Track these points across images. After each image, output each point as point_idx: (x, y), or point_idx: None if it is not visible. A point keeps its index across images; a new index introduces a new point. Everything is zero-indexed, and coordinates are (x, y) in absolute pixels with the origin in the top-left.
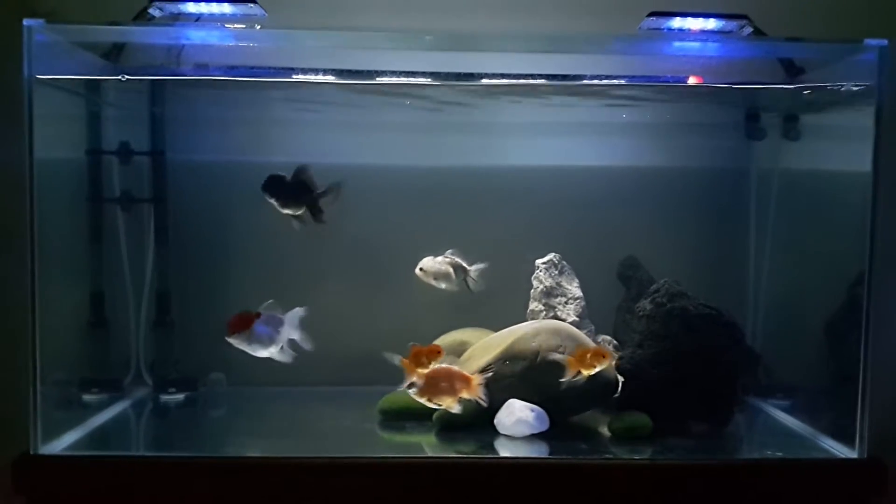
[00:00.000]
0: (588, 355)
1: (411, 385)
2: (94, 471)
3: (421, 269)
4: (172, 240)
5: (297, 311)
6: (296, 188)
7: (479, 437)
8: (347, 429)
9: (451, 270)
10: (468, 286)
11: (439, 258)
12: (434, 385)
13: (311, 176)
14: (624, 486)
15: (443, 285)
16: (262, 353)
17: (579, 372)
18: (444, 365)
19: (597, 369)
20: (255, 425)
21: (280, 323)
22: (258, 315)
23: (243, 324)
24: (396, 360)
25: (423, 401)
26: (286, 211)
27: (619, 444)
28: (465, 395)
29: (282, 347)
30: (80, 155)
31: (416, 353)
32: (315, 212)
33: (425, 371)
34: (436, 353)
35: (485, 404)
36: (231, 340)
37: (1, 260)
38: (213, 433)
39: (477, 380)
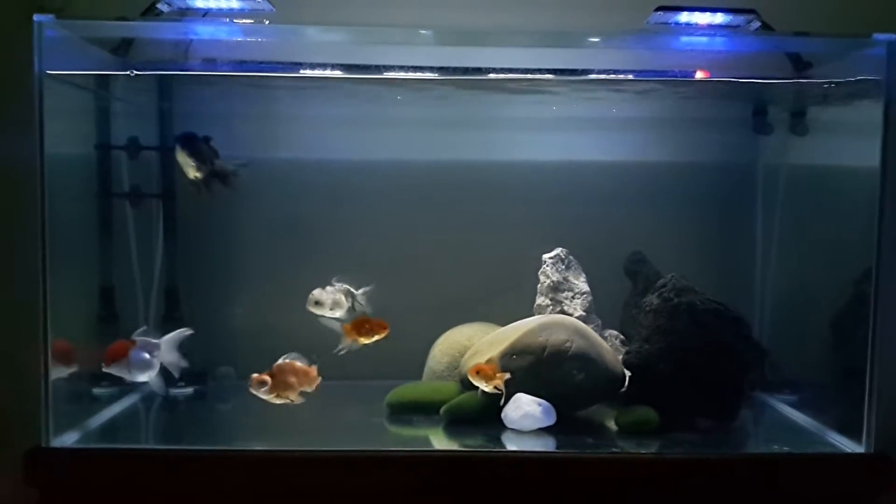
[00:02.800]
0: (366, 325)
1: (262, 383)
2: (105, 463)
3: (316, 302)
4: (181, 235)
5: (178, 334)
6: (206, 153)
7: (486, 431)
8: (355, 423)
9: (343, 298)
10: (355, 309)
11: (329, 288)
12: (282, 381)
13: (214, 146)
14: (631, 480)
15: (337, 314)
16: (142, 377)
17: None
18: (287, 360)
19: (374, 339)
20: (264, 419)
21: (156, 347)
22: (133, 343)
23: (119, 352)
24: (337, 325)
25: (268, 398)
26: (196, 174)
27: (625, 438)
28: (305, 388)
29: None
30: (89, 150)
31: (360, 322)
32: (223, 177)
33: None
34: (380, 327)
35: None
36: (109, 370)
37: (11, 254)
38: (222, 426)
39: (313, 373)
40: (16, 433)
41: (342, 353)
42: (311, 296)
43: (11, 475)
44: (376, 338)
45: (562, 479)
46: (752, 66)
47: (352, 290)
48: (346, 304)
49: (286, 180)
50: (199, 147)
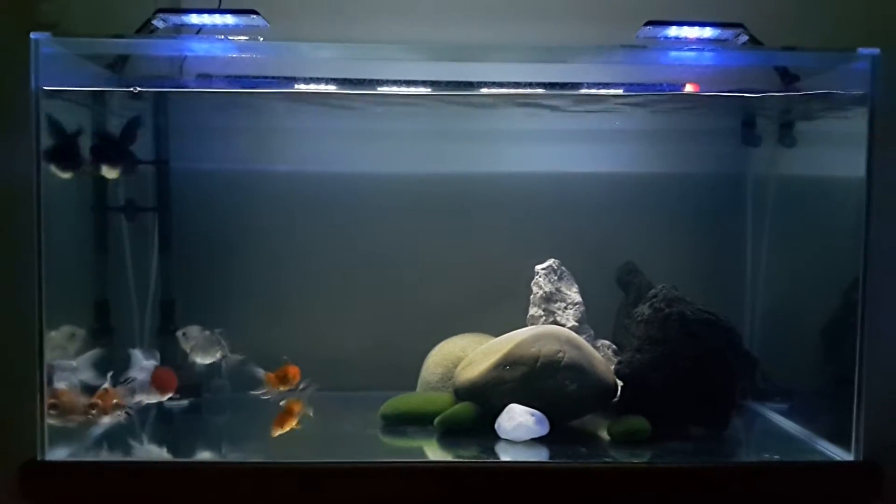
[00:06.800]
0: (287, 374)
1: (52, 406)
2: (100, 476)
3: (184, 333)
4: (176, 248)
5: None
6: (110, 147)
7: (480, 441)
8: (349, 434)
9: (215, 349)
10: (221, 367)
11: (206, 333)
12: (71, 406)
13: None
14: (623, 489)
15: (198, 359)
16: None
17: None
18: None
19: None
20: (259, 431)
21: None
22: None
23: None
24: (261, 373)
25: (56, 422)
26: (111, 175)
27: (618, 447)
28: (93, 412)
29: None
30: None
31: (283, 373)
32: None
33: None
34: (295, 375)
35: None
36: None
37: (7, 268)
38: (217, 439)
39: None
40: (11, 446)
41: (265, 397)
42: (185, 329)
43: (7, 489)
44: (297, 384)
45: (555, 489)
46: (741, 78)
47: (226, 348)
48: (215, 354)
49: (282, 193)
50: (107, 152)
